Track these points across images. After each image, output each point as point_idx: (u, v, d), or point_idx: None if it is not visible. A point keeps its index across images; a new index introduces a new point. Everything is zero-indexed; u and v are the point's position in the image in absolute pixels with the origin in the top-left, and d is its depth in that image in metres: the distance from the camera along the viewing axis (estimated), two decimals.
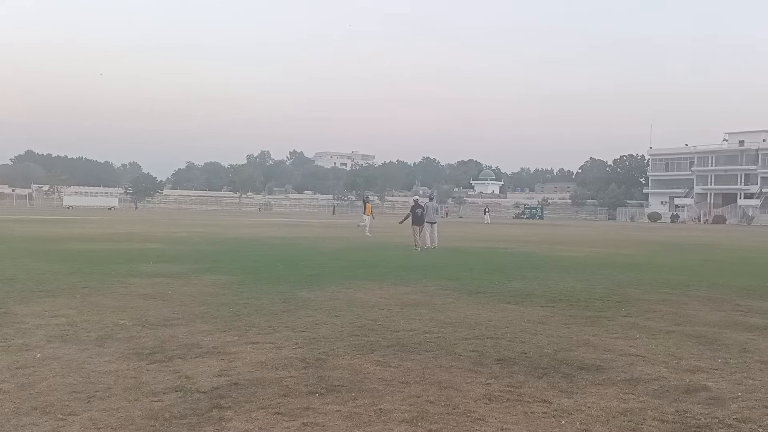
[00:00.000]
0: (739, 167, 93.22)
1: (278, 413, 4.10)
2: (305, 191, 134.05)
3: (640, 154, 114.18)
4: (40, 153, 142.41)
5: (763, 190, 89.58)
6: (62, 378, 4.80)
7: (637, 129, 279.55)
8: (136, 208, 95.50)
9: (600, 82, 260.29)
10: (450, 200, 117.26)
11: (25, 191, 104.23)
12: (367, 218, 27.63)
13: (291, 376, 4.93)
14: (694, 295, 9.95)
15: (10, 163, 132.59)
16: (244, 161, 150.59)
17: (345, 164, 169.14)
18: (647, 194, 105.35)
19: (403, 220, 22.46)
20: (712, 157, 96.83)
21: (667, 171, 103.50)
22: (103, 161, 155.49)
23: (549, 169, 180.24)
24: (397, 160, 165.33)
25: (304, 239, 24.20)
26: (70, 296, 8.71)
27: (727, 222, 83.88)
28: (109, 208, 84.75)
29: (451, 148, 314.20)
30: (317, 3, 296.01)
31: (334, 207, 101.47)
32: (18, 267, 12.19)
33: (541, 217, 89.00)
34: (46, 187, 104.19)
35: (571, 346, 6.16)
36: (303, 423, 3.94)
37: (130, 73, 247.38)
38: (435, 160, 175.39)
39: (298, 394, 4.51)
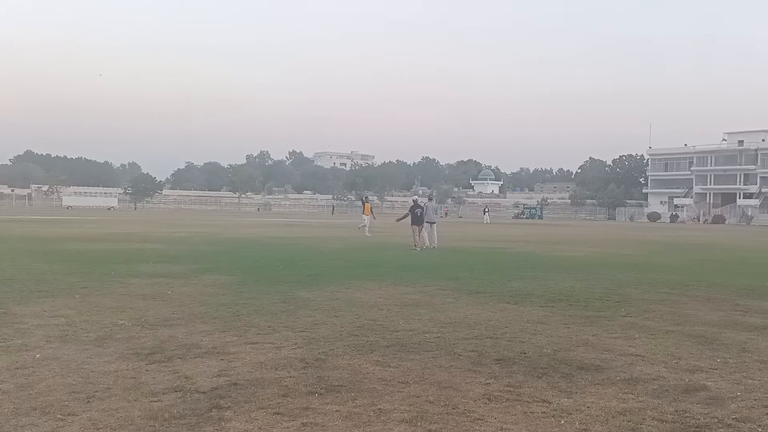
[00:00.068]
0: (738, 167, 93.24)
1: (278, 413, 4.10)
2: (304, 191, 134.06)
3: (639, 154, 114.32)
4: (39, 153, 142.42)
5: (763, 190, 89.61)
6: (61, 378, 4.80)
7: (637, 129, 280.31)
8: (135, 208, 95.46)
9: (600, 82, 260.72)
10: (449, 200, 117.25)
11: (25, 191, 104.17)
12: (366, 218, 27.61)
13: (290, 376, 4.93)
14: (694, 295, 9.96)
15: (9, 163, 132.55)
16: (244, 161, 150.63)
17: (344, 164, 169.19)
18: (646, 194, 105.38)
19: (401, 218, 22.48)
20: (711, 157, 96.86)
21: (667, 171, 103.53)
22: (102, 161, 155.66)
23: (548, 169, 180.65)
24: (397, 160, 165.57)
25: (303, 239, 24.20)
26: (69, 296, 8.70)
27: (726, 222, 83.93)
28: (109, 209, 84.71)
29: (451, 148, 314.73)
30: (317, 3, 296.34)
31: (334, 207, 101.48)
32: (17, 267, 12.18)
33: (540, 217, 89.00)
34: (45, 188, 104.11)
35: (570, 346, 6.16)
36: (302, 423, 3.94)
37: (130, 74, 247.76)
38: (434, 160, 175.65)
39: (297, 394, 4.51)
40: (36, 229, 27.60)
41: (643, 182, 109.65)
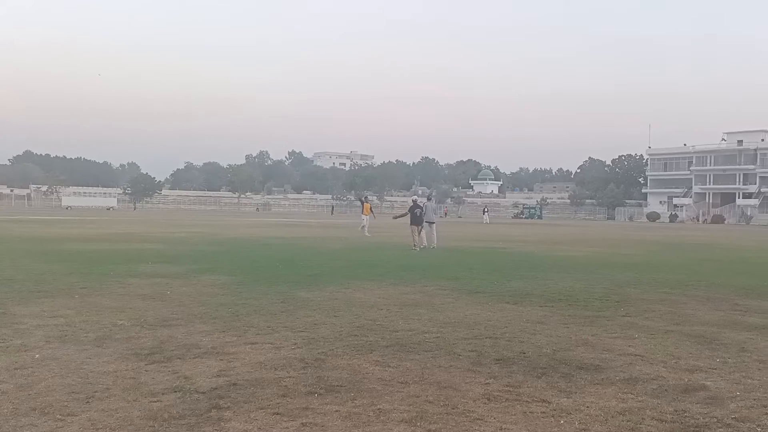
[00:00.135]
0: (737, 167, 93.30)
1: (277, 413, 4.10)
2: (304, 191, 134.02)
3: (638, 154, 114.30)
4: (38, 153, 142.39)
5: (762, 190, 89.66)
6: (61, 378, 4.80)
7: (636, 129, 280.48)
8: (134, 208, 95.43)
9: (600, 82, 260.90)
10: (449, 200, 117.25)
11: (24, 191, 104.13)
12: (365, 218, 27.61)
13: (290, 377, 4.93)
14: (693, 295, 9.96)
15: (8, 163, 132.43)
16: (243, 161, 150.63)
17: (344, 164, 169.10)
18: (646, 194, 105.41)
19: (399, 216, 22.48)
20: (710, 157, 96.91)
21: (666, 171, 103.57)
22: (101, 161, 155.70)
23: (548, 168, 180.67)
24: (396, 160, 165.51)
25: (303, 239, 24.19)
26: (68, 297, 8.70)
27: (725, 221, 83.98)
28: (108, 209, 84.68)
29: (451, 148, 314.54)
30: (317, 3, 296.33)
31: (333, 207, 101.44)
32: (16, 267, 12.18)
33: (539, 217, 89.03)
34: (44, 188, 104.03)
35: (569, 346, 6.16)
36: (302, 423, 3.94)
37: (130, 74, 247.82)
38: (434, 160, 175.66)
39: (297, 394, 4.51)
40: (35, 230, 27.58)
41: (642, 182, 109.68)
